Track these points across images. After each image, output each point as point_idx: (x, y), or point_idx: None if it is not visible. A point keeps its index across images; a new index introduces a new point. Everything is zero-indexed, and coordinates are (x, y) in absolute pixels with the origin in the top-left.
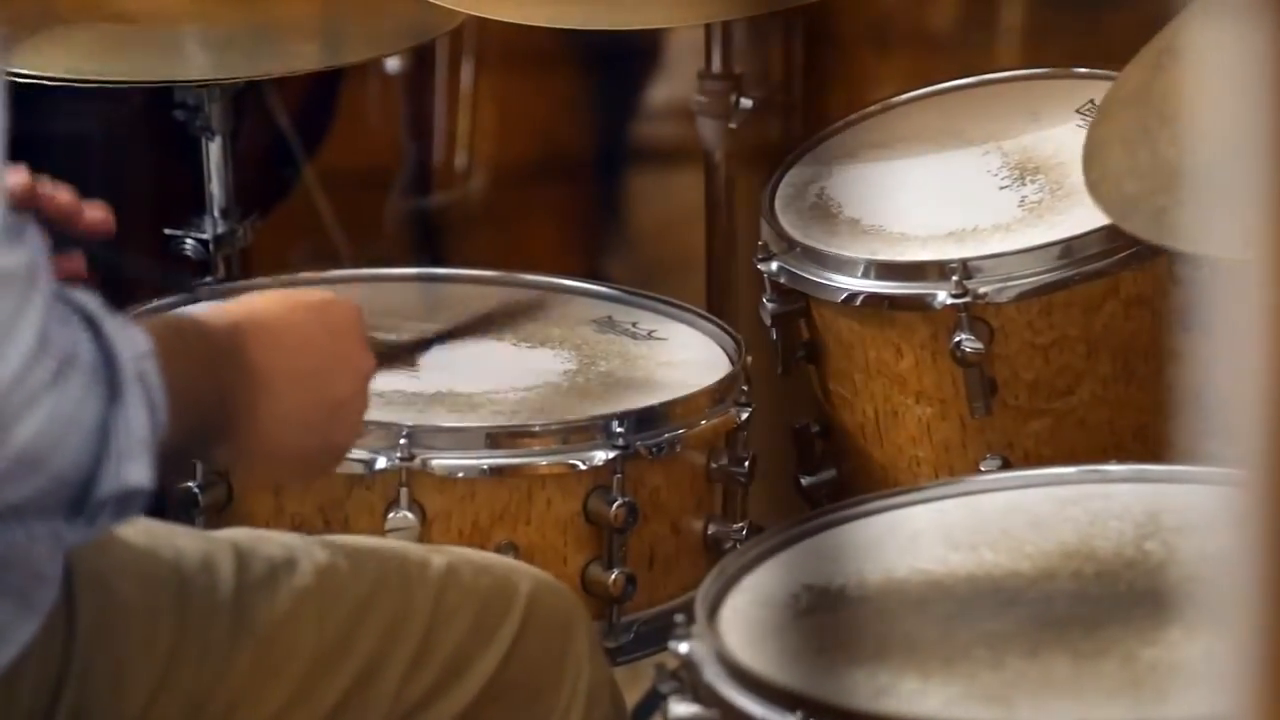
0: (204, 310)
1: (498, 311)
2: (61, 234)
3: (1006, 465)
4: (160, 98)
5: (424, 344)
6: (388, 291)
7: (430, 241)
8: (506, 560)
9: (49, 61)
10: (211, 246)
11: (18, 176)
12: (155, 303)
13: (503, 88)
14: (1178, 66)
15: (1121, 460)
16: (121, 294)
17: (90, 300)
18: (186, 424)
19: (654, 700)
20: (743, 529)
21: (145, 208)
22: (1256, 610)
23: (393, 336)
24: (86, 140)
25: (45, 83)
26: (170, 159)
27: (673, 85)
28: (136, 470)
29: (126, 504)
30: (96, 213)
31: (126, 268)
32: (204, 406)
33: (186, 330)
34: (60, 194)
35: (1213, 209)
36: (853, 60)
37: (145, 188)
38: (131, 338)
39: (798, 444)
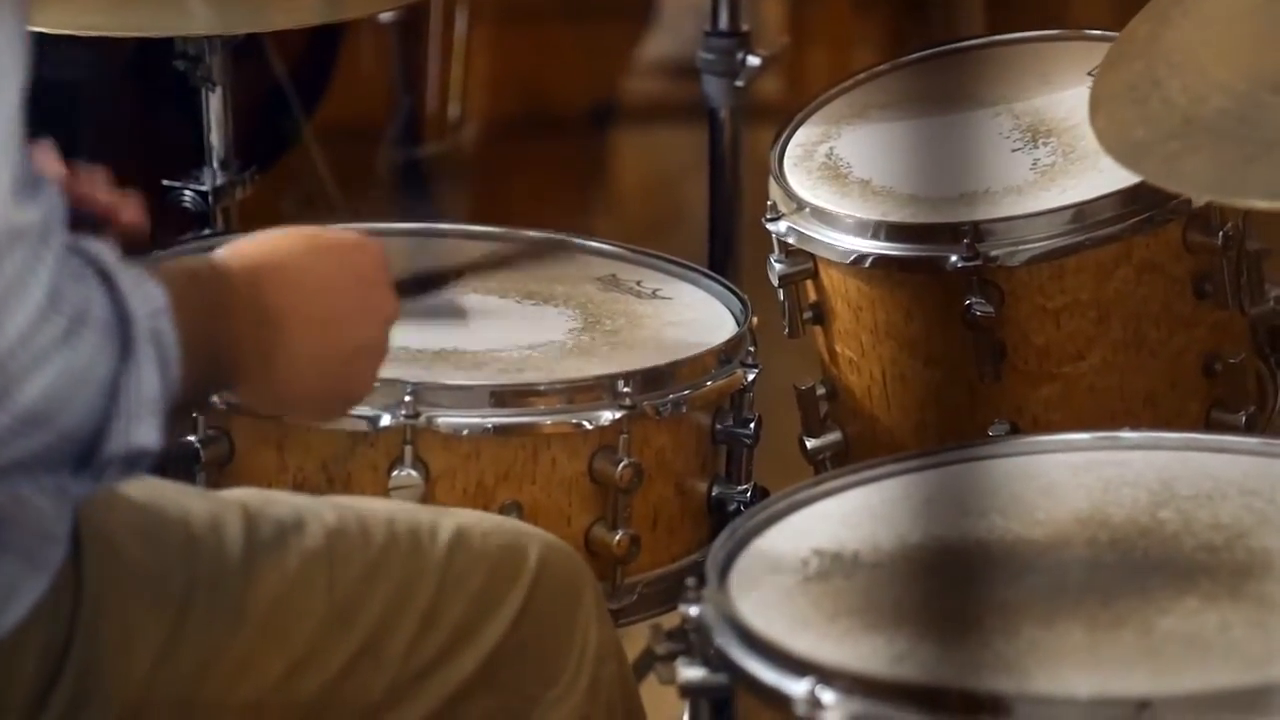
0: (222, 251)
1: (518, 251)
2: (93, 222)
3: (1015, 431)
4: (159, 47)
5: (445, 277)
6: (386, 247)
7: (422, 193)
8: (515, 523)
9: (52, 17)
10: (210, 198)
11: (54, 164)
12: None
13: (496, 40)
14: (1187, 19)
15: (1132, 427)
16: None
17: (106, 253)
18: (198, 371)
19: (649, 661)
20: (747, 491)
21: (142, 158)
22: None
23: (412, 271)
24: (82, 88)
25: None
26: (167, 109)
27: (663, 42)
28: (145, 430)
29: (134, 462)
30: (132, 213)
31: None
32: (216, 352)
33: (202, 275)
34: (94, 185)
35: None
36: (842, 19)
37: (142, 137)
38: (147, 293)
39: (803, 406)
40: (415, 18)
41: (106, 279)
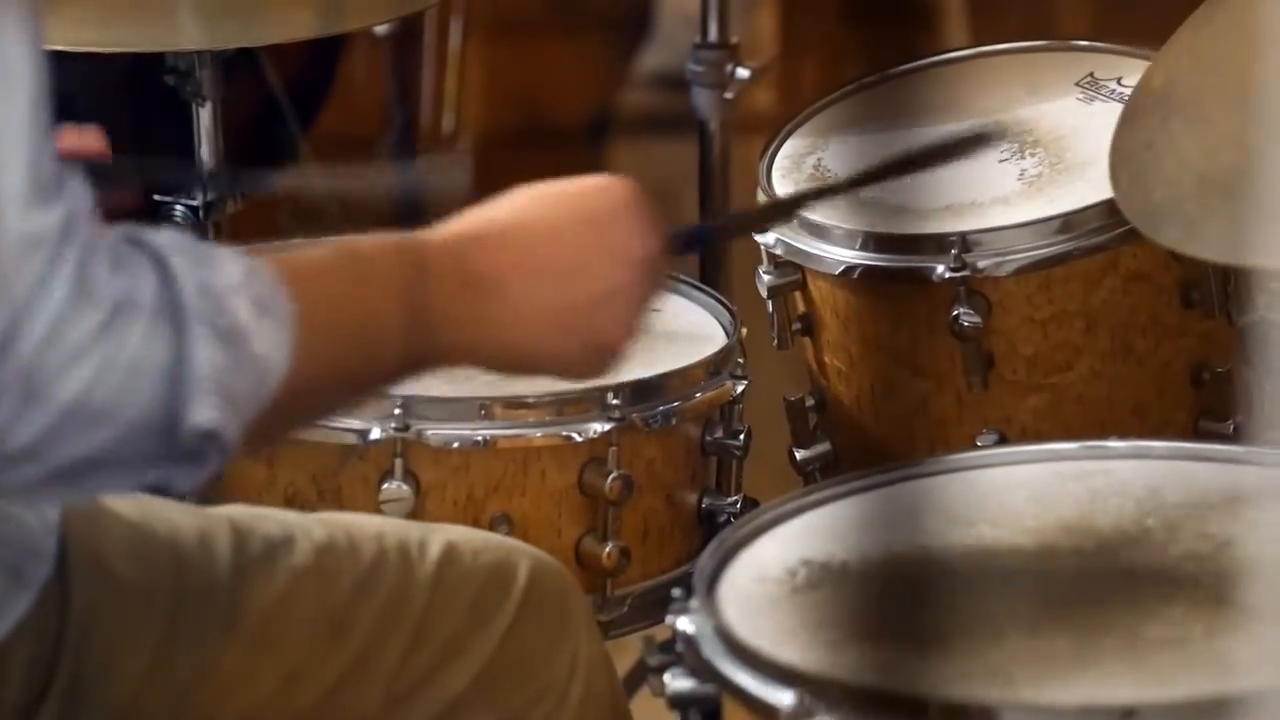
0: (443, 225)
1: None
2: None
3: (1003, 440)
4: (150, 62)
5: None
6: None
7: (415, 206)
8: (505, 540)
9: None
10: (201, 213)
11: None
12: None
13: (490, 52)
14: (1196, 67)
15: (1119, 437)
16: None
17: (166, 237)
18: (357, 348)
19: (642, 673)
20: (737, 503)
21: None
22: None
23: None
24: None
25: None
26: (159, 123)
27: (655, 54)
28: (203, 409)
29: (212, 446)
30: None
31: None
32: (387, 327)
33: (367, 253)
34: (87, 143)
35: None
36: (828, 31)
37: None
38: (206, 275)
39: (792, 417)
40: (410, 30)
41: (159, 263)
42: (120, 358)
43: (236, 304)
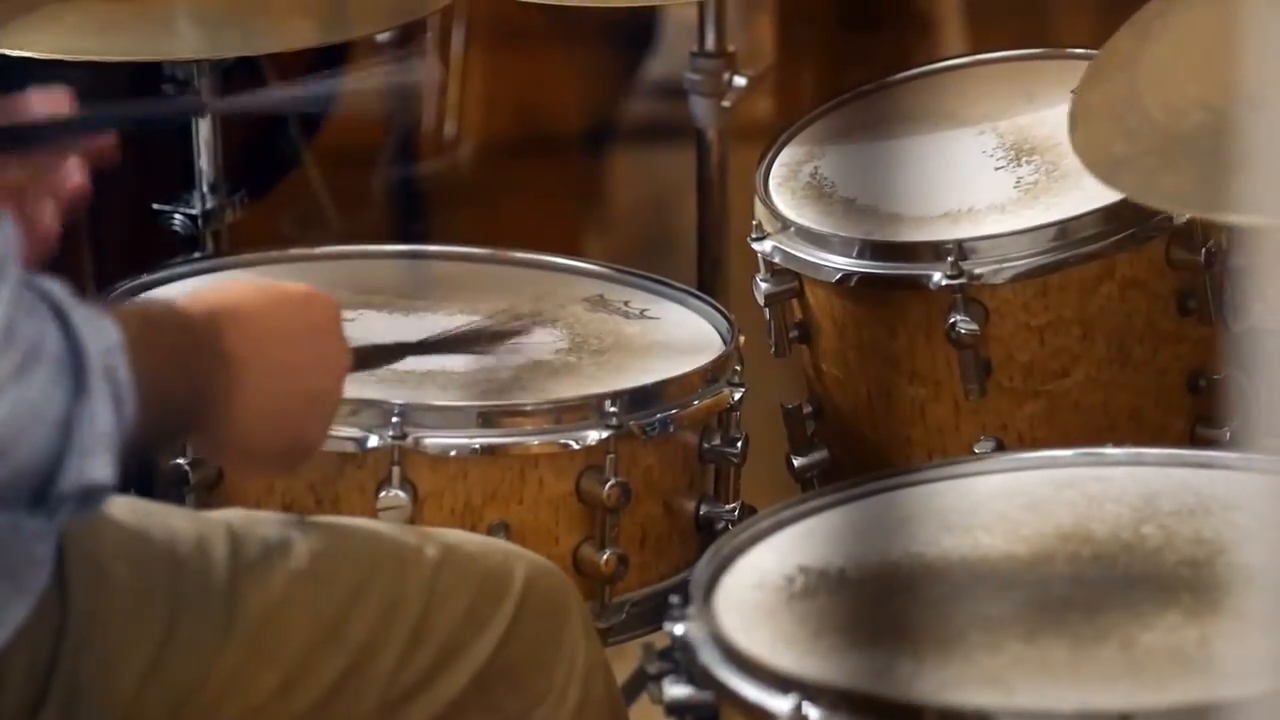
0: (180, 296)
1: (477, 332)
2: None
3: (1000, 447)
4: (150, 70)
5: (400, 351)
6: (377, 268)
7: (416, 214)
8: (501, 544)
9: (42, 40)
10: (200, 222)
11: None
12: (126, 284)
13: (492, 61)
14: (1167, 34)
15: (1116, 443)
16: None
17: (59, 289)
18: (156, 414)
19: (641, 680)
20: (734, 510)
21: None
22: None
23: (370, 341)
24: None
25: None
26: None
27: (653, 63)
28: (99, 466)
29: (89, 499)
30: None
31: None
32: (175, 396)
33: (159, 319)
34: (54, 103)
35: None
36: (828, 39)
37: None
38: (101, 329)
39: (789, 424)
40: (410, 37)
41: (60, 314)
42: (26, 403)
43: (120, 364)
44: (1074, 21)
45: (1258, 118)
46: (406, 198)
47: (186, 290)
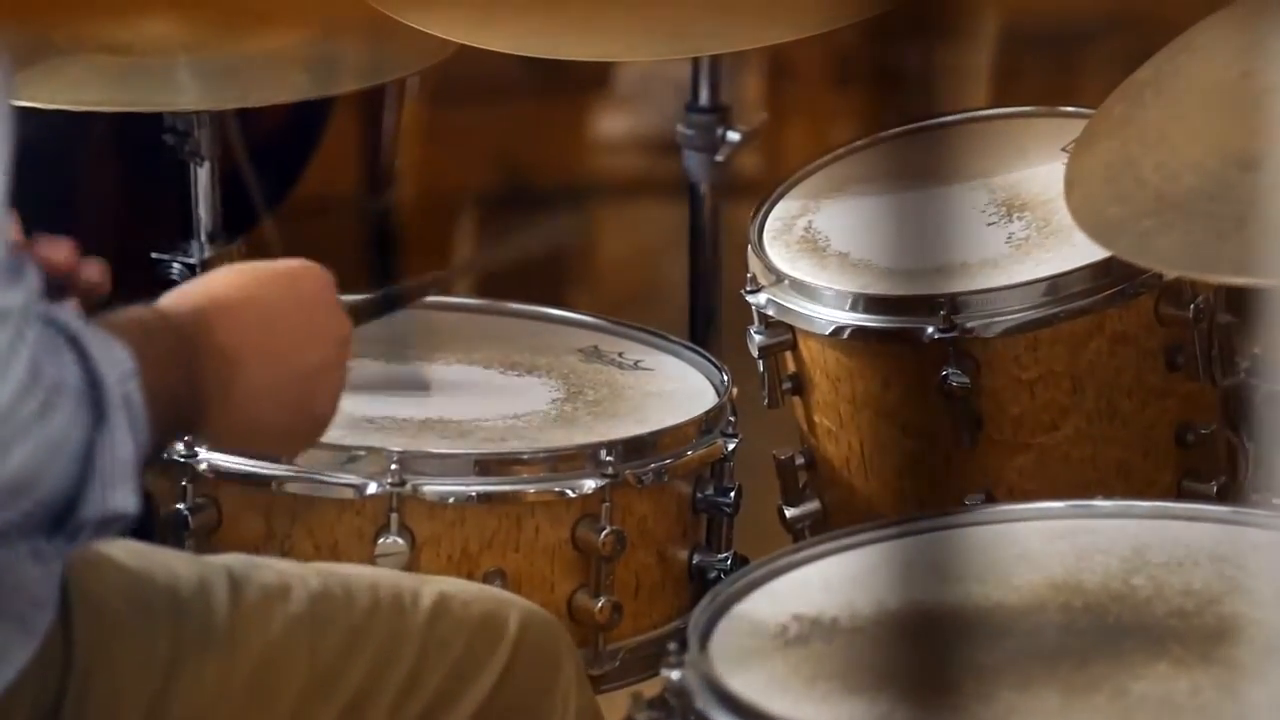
0: (166, 300)
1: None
2: (56, 286)
3: (990, 499)
4: (143, 120)
5: (389, 302)
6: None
7: (390, 266)
8: (496, 591)
9: (44, 92)
10: (199, 270)
11: (13, 234)
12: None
13: (464, 115)
14: (1160, 99)
15: (1105, 496)
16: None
17: (74, 320)
18: (164, 423)
19: None
20: (727, 559)
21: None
22: None
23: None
24: (68, 159)
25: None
26: (155, 182)
27: (644, 118)
28: (122, 495)
29: (108, 525)
30: (93, 272)
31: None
32: (177, 400)
33: (154, 328)
34: (57, 251)
35: None
36: (813, 95)
37: (129, 210)
38: (115, 357)
39: (782, 475)
40: (380, 90)
41: (77, 346)
42: (51, 437)
43: (134, 390)
44: (1100, 77)
45: (1253, 180)
46: (376, 255)
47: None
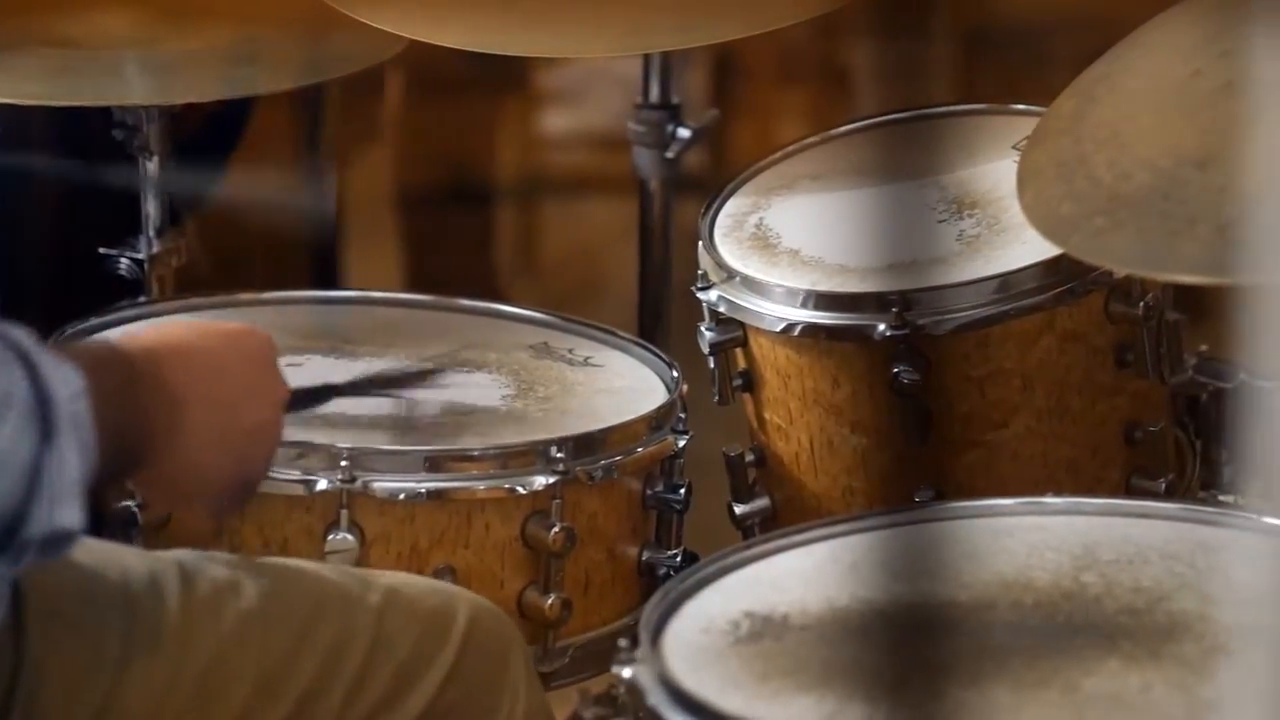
0: (118, 335)
1: (400, 373)
2: None
3: (940, 496)
4: (91, 116)
5: (325, 393)
6: (322, 313)
7: (331, 266)
8: (445, 585)
9: None
10: (146, 266)
11: None
12: (71, 329)
13: (414, 112)
14: (1111, 97)
15: (1055, 493)
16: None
17: (25, 337)
18: (109, 453)
19: None
20: (677, 556)
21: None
22: None
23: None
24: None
25: None
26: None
27: (592, 115)
28: (68, 513)
29: (54, 544)
30: None
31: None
32: (125, 436)
33: (105, 359)
34: None
35: (1272, 237)
36: (762, 93)
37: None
38: (66, 376)
39: (731, 472)
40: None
41: (27, 363)
42: None
43: (84, 410)
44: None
45: (1204, 178)
46: (322, 254)
47: (124, 331)
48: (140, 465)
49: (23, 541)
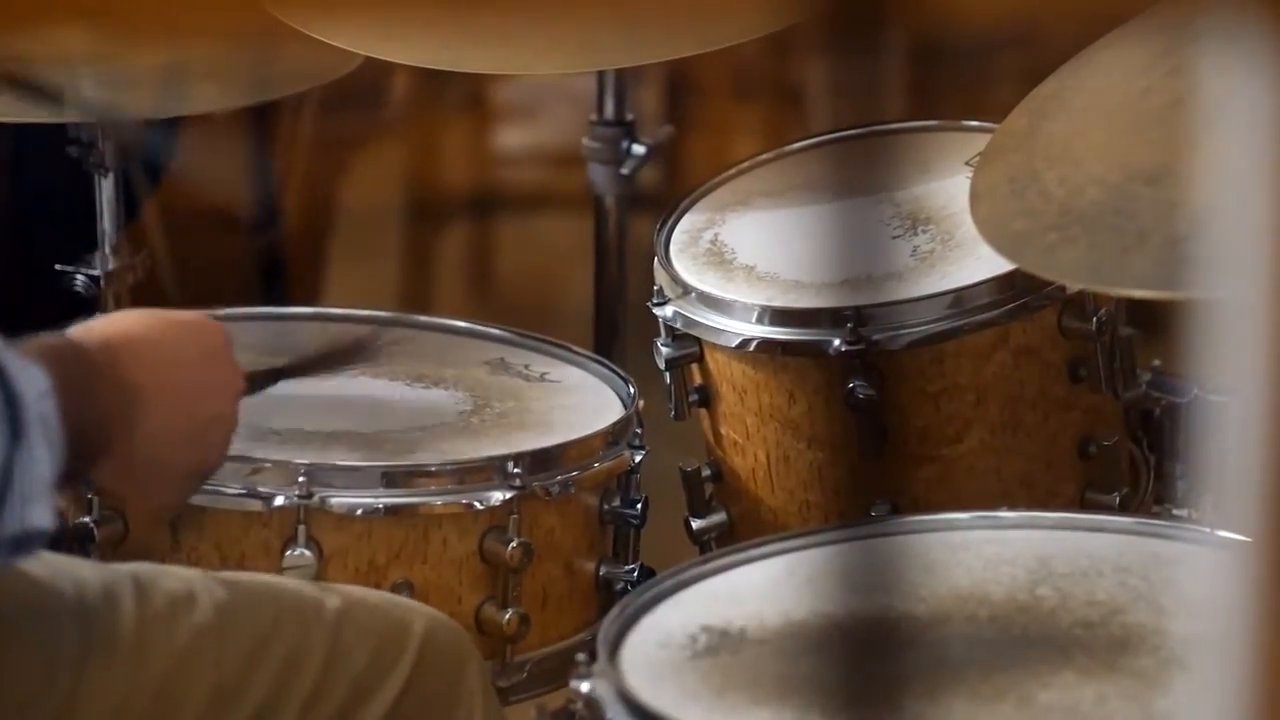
0: (75, 329)
1: (344, 348)
2: None
3: (896, 511)
4: (46, 133)
5: (273, 375)
6: (282, 330)
7: (278, 283)
8: (401, 599)
9: None
10: (102, 282)
11: None
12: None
13: (360, 128)
14: (1063, 113)
15: (1010, 507)
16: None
17: None
18: (71, 449)
19: None
20: (634, 571)
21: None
22: (1256, 664)
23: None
24: None
25: None
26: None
27: (545, 131)
28: (39, 512)
29: (26, 543)
30: None
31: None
32: (84, 428)
33: (65, 355)
34: None
35: (1223, 252)
36: (716, 110)
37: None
38: (32, 375)
39: (688, 487)
40: (274, 103)
41: None
42: None
43: (50, 409)
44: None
45: (1155, 194)
46: (267, 271)
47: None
48: (99, 457)
49: None
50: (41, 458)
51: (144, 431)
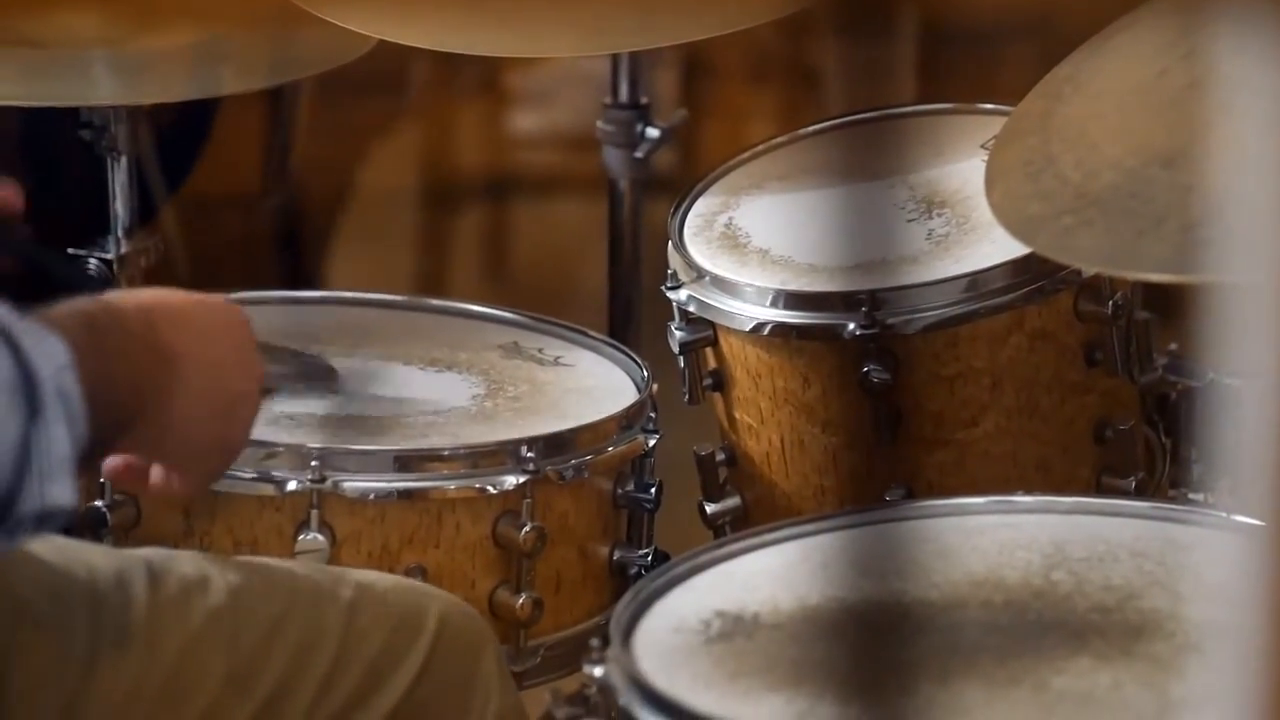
0: (112, 295)
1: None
2: None
3: (910, 495)
4: (58, 115)
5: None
6: (295, 314)
7: (293, 267)
8: (416, 584)
9: None
10: (115, 266)
11: None
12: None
13: (382, 111)
14: (1078, 97)
15: (1025, 491)
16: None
17: (6, 313)
18: (104, 417)
19: None
20: (648, 555)
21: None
22: (1272, 649)
23: None
24: None
25: None
26: (70, 177)
27: (560, 115)
28: (59, 489)
29: (47, 520)
30: (4, 193)
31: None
32: (120, 395)
33: (98, 320)
34: None
35: (1239, 235)
36: (731, 93)
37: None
38: (50, 350)
39: (702, 471)
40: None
41: (8, 339)
42: None
43: (71, 383)
44: (1020, 74)
45: (1171, 177)
46: (287, 254)
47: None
48: (133, 423)
49: (16, 519)
50: (60, 434)
51: (178, 399)
